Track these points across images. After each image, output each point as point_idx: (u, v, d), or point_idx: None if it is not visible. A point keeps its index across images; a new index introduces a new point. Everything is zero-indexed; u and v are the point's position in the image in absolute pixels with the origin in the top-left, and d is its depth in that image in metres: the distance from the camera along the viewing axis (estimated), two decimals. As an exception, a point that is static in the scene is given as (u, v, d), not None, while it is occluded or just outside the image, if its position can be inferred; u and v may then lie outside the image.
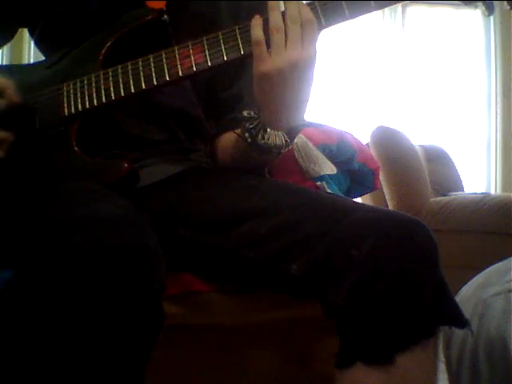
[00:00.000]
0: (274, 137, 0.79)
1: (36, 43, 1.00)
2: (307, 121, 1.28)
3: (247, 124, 0.80)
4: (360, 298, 0.65)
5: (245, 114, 0.81)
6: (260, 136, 0.79)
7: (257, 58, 0.75)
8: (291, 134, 0.81)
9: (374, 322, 0.65)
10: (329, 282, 0.68)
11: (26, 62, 2.87)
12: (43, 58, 1.01)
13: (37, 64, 0.99)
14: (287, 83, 0.75)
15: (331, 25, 0.76)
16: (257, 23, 0.76)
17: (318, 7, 0.75)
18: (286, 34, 0.74)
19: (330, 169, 1.15)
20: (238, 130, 0.83)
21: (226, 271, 0.81)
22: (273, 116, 0.78)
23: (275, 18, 0.75)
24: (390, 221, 0.69)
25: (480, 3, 0.77)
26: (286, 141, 0.80)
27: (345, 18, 0.76)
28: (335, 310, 0.68)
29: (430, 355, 0.67)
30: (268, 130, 0.79)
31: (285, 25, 0.75)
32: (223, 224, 0.78)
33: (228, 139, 0.91)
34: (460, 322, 0.69)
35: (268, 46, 0.75)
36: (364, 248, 0.66)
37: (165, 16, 0.87)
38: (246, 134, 0.80)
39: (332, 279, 0.68)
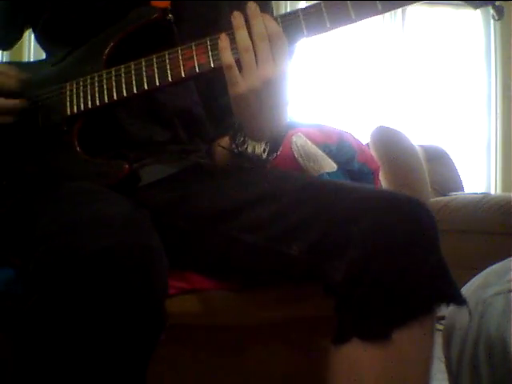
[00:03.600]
0: (253, 146, 0.81)
1: (37, 38, 1.00)
2: (304, 122, 1.28)
3: (233, 135, 0.82)
4: (359, 274, 0.66)
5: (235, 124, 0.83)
6: (241, 145, 0.81)
7: (230, 81, 0.75)
8: (273, 143, 0.83)
9: (372, 297, 0.65)
10: (328, 259, 0.69)
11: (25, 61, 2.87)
12: (42, 58, 1.01)
13: (40, 62, 0.99)
14: (263, 101, 0.76)
15: (336, 27, 0.76)
16: (224, 46, 0.75)
17: (324, 9, 0.75)
18: (255, 52, 0.74)
19: (329, 166, 1.15)
20: (226, 143, 0.85)
21: (228, 259, 0.81)
22: (252, 128, 0.80)
23: (242, 38, 0.74)
24: (389, 199, 0.70)
25: (490, 7, 0.76)
26: (265, 149, 0.82)
27: (350, 21, 0.75)
28: (334, 287, 0.68)
29: (426, 333, 0.67)
30: (248, 139, 0.81)
31: (253, 42, 0.74)
32: (224, 213, 0.79)
33: (222, 149, 0.92)
34: (458, 300, 0.68)
35: (239, 65, 0.75)
36: (363, 225, 0.66)
37: (169, 15, 0.87)
38: (233, 145, 0.82)
39: (331, 256, 0.68)
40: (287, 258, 0.73)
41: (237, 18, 0.76)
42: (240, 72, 0.75)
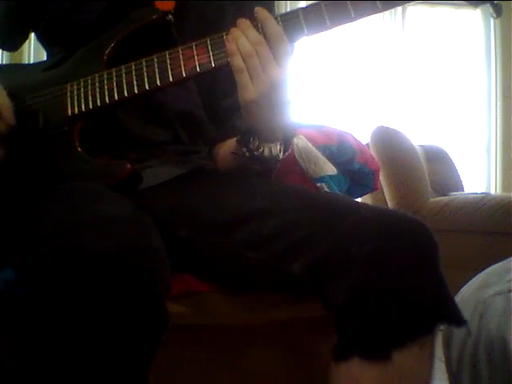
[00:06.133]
0: (269, 148, 0.81)
1: (39, 38, 1.00)
2: (305, 123, 1.28)
3: (243, 140, 0.82)
4: (360, 296, 0.66)
5: (242, 127, 0.83)
6: (257, 150, 0.81)
7: (241, 86, 0.76)
8: (286, 141, 0.83)
9: (373, 318, 0.66)
10: (329, 280, 0.69)
11: (26, 62, 2.87)
12: (43, 59, 1.02)
13: (40, 63, 0.99)
14: (272, 102, 0.76)
15: (336, 26, 0.76)
16: (233, 49, 0.76)
17: (323, 7, 0.75)
18: (258, 57, 0.75)
19: (330, 169, 1.16)
20: (235, 147, 0.84)
21: (228, 272, 0.81)
22: (266, 132, 0.80)
23: (244, 44, 0.75)
24: (391, 220, 0.70)
25: (488, 5, 0.77)
26: (280, 149, 0.82)
27: (350, 19, 0.75)
28: (335, 307, 0.69)
29: (427, 353, 0.68)
30: (263, 143, 0.81)
31: (254, 48, 0.75)
32: (225, 225, 0.79)
33: (226, 153, 0.92)
34: (458, 320, 0.69)
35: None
36: (365, 247, 0.67)
37: (169, 16, 0.87)
38: (244, 149, 0.82)
39: (332, 277, 0.68)
40: (288, 275, 0.73)
41: (234, 31, 0.76)
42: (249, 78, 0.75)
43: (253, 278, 0.79)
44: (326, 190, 1.11)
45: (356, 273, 0.66)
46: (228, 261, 0.79)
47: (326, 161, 1.15)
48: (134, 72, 0.81)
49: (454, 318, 0.69)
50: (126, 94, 0.81)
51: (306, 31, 0.76)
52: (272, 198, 0.80)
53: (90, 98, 0.82)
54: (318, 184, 1.11)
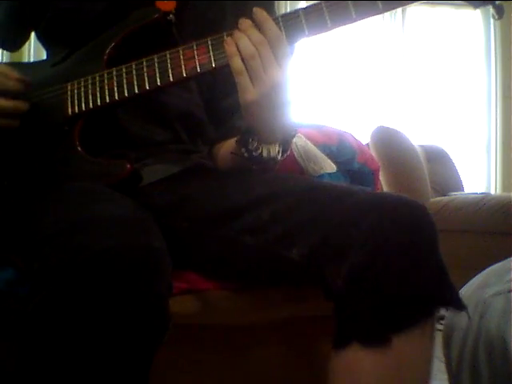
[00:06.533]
0: (268, 149, 0.81)
1: (39, 38, 1.01)
2: (305, 123, 1.29)
3: (242, 141, 0.81)
4: (359, 279, 0.66)
5: (242, 128, 0.83)
6: (256, 151, 0.81)
7: (241, 88, 0.76)
8: (285, 142, 0.83)
9: (372, 302, 0.65)
10: (328, 264, 0.69)
11: (25, 61, 2.87)
12: (43, 58, 1.02)
13: (40, 62, 0.99)
14: (273, 104, 0.76)
15: (337, 27, 0.76)
16: (233, 51, 0.75)
17: (324, 8, 0.76)
18: (260, 58, 0.74)
19: (329, 167, 1.16)
20: (235, 147, 0.84)
21: (228, 261, 0.81)
22: (266, 133, 0.80)
23: (245, 46, 0.75)
24: (389, 202, 0.69)
25: (490, 6, 0.76)
26: (279, 151, 0.82)
27: (351, 20, 0.75)
28: (335, 291, 0.68)
29: (426, 336, 0.67)
30: (262, 144, 0.81)
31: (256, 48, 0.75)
32: (226, 215, 0.79)
33: (226, 153, 0.92)
34: (457, 304, 0.68)
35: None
36: (363, 228, 0.66)
37: (170, 16, 0.87)
38: (243, 150, 0.82)
39: (331, 261, 0.68)
40: (287, 261, 0.73)
41: (236, 33, 0.76)
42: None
43: (252, 266, 0.79)
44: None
45: (355, 255, 0.66)
46: (228, 249, 0.79)
47: (326, 158, 1.15)
48: (134, 72, 0.81)
49: (453, 301, 0.68)
50: (126, 93, 0.81)
51: (306, 32, 0.76)
52: (271, 186, 0.80)
53: (91, 98, 0.82)
54: (318, 181, 1.12)
